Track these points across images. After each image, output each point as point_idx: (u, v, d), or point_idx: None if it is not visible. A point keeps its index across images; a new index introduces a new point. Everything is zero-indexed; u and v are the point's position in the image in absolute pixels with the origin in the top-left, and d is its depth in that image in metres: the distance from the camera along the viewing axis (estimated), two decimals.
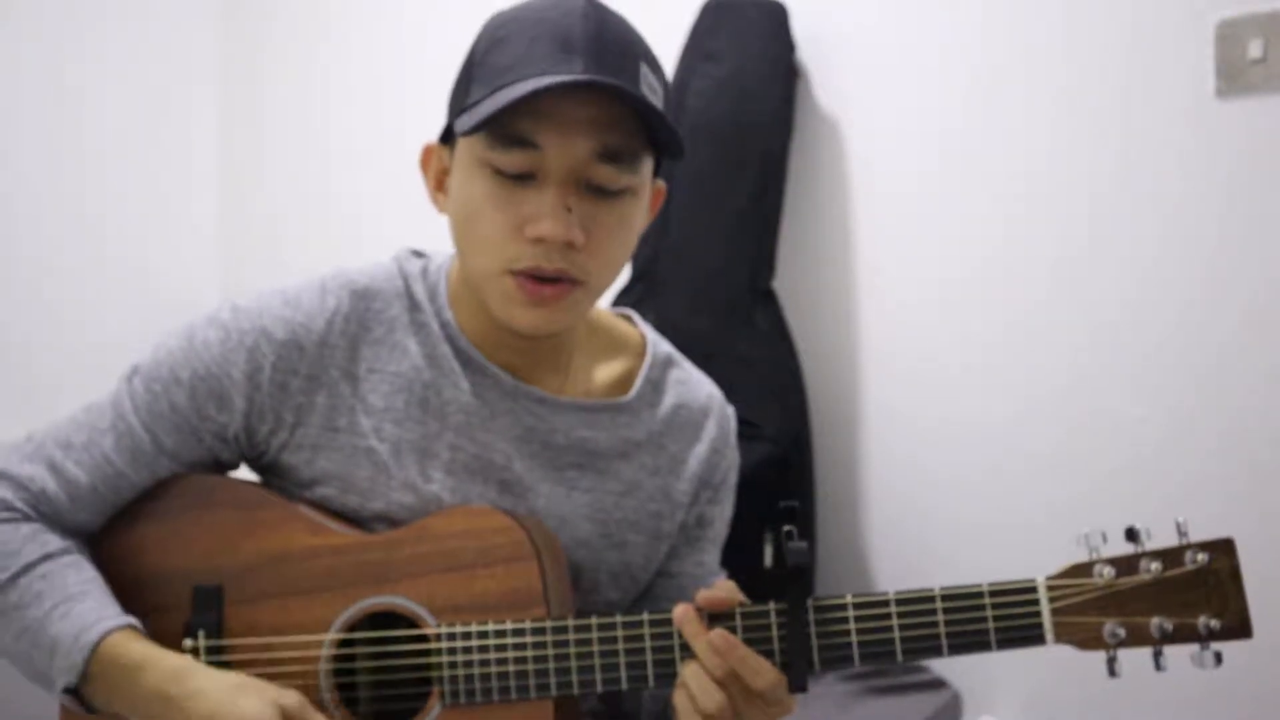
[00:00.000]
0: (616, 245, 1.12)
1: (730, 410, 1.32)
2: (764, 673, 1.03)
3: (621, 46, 1.09)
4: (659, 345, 1.30)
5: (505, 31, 1.10)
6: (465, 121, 1.07)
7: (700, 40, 2.23)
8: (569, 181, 1.07)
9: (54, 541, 1.14)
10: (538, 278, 1.09)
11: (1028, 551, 1.98)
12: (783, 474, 2.10)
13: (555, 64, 1.05)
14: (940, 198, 2.16)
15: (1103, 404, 2.02)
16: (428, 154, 1.18)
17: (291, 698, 1.05)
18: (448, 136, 1.16)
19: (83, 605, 1.09)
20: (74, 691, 1.08)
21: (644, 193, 1.14)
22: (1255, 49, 1.89)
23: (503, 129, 1.06)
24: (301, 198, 2.86)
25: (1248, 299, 1.92)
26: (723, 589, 1.07)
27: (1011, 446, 2.10)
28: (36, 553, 1.12)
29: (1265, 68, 1.89)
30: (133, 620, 1.10)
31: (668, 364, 1.29)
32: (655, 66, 1.12)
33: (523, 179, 1.08)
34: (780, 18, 2.20)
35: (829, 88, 2.25)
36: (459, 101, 1.12)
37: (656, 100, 1.10)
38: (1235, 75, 1.91)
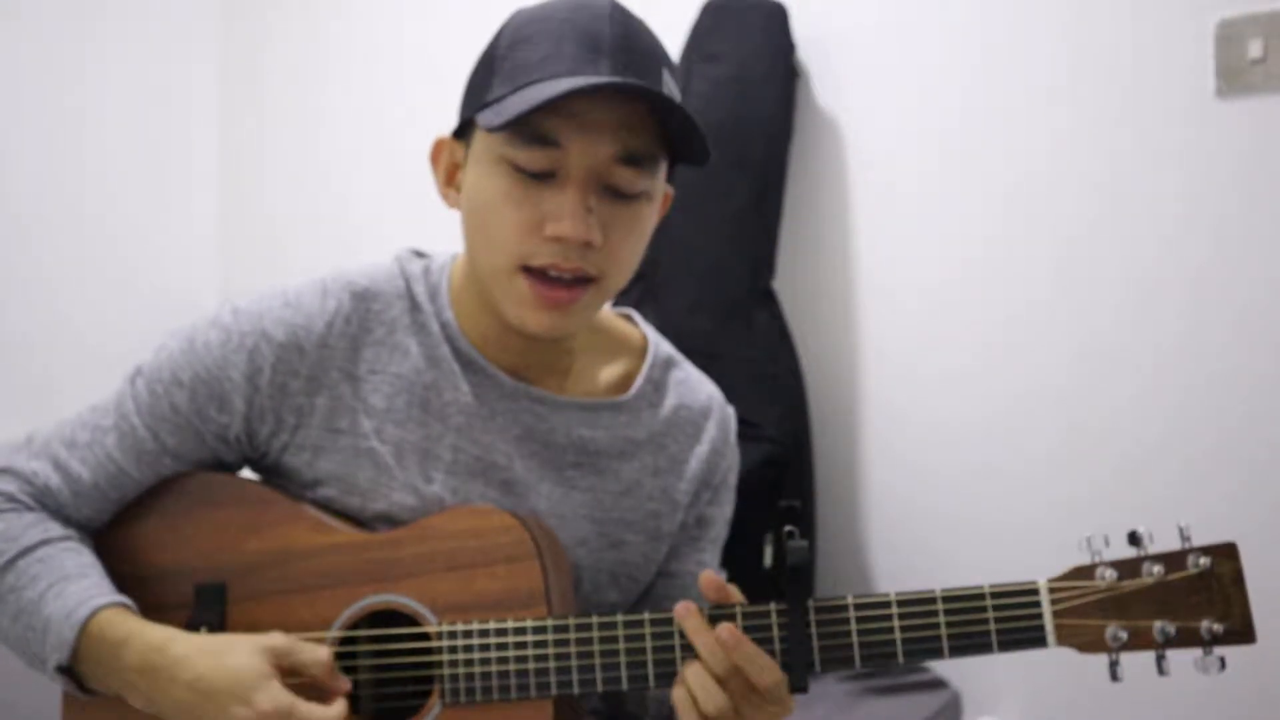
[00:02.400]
0: (630, 247, 1.13)
1: (730, 411, 1.32)
2: (768, 669, 1.03)
3: (646, 51, 1.10)
4: (660, 346, 1.30)
5: (531, 30, 1.09)
6: (491, 118, 1.07)
7: (700, 40, 2.23)
8: (589, 182, 1.08)
9: (55, 529, 1.15)
10: (552, 279, 1.09)
11: (1028, 551, 2.00)
12: (783, 474, 2.10)
13: (583, 65, 1.06)
14: (940, 198, 2.15)
15: (1103, 404, 2.02)
16: (439, 148, 1.18)
17: (277, 638, 1.06)
18: (461, 131, 1.15)
19: (77, 585, 1.10)
20: (68, 671, 1.09)
21: (658, 197, 1.15)
22: (1255, 49, 1.89)
23: (527, 127, 1.06)
24: (301, 198, 2.86)
25: (1248, 299, 1.91)
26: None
27: (1012, 446, 2.10)
28: (36, 538, 1.13)
29: (1265, 68, 1.89)
30: (124, 599, 1.11)
31: (669, 364, 1.29)
32: (674, 73, 1.13)
33: (542, 177, 1.08)
34: (780, 18, 2.20)
35: (829, 88, 2.24)
36: (478, 96, 1.11)
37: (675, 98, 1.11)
38: (1235, 75, 1.91)
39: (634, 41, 1.09)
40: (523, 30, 1.10)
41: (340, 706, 1.05)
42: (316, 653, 1.06)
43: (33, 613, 1.10)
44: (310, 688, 1.06)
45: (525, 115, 1.04)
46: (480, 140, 1.11)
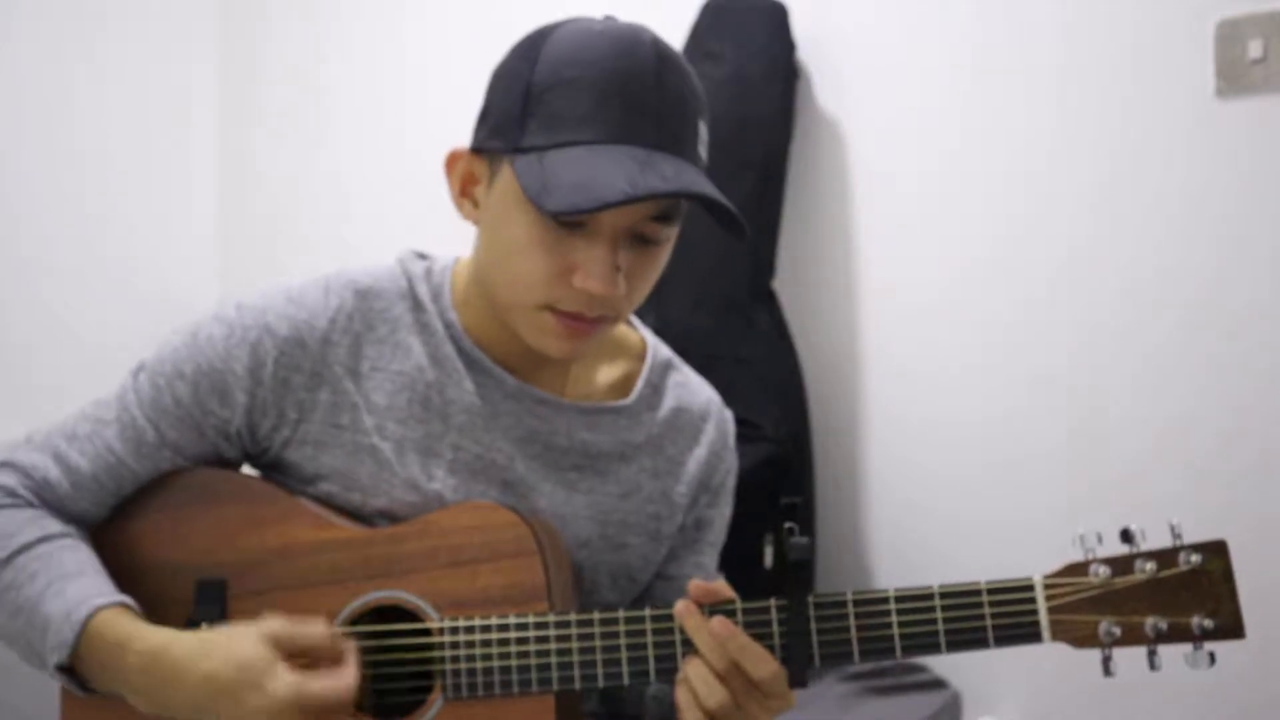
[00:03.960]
0: (649, 284, 1.15)
1: (729, 414, 1.33)
2: (764, 660, 1.03)
3: (685, 107, 1.09)
4: (659, 349, 1.31)
5: (573, 73, 1.06)
6: (534, 188, 1.04)
7: (700, 40, 2.23)
8: (619, 237, 1.08)
9: (53, 525, 1.15)
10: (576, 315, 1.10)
11: (1027, 551, 1.98)
12: (783, 474, 2.10)
13: (626, 132, 1.05)
14: (940, 198, 2.16)
15: (1103, 404, 2.02)
16: (454, 160, 1.16)
17: (274, 624, 1.05)
18: (484, 148, 1.12)
19: (76, 583, 1.10)
20: (68, 670, 1.09)
21: (676, 232, 1.15)
22: (1255, 49, 1.89)
23: None
24: (301, 198, 2.86)
25: (1248, 299, 1.92)
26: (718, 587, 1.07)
27: (1011, 446, 2.10)
28: (35, 534, 1.13)
29: (1265, 68, 1.89)
30: (125, 598, 1.10)
31: (667, 368, 1.30)
32: (706, 114, 1.13)
33: (573, 225, 1.07)
34: (780, 18, 2.21)
35: (829, 88, 2.25)
36: (511, 127, 1.08)
37: (704, 150, 1.12)
38: (1235, 75, 1.91)
39: (675, 98, 1.08)
40: (563, 70, 1.07)
41: (352, 670, 1.04)
42: (314, 630, 1.06)
43: (32, 610, 1.10)
44: (318, 663, 1.06)
45: (577, 211, 1.03)
46: (509, 174, 1.09)
